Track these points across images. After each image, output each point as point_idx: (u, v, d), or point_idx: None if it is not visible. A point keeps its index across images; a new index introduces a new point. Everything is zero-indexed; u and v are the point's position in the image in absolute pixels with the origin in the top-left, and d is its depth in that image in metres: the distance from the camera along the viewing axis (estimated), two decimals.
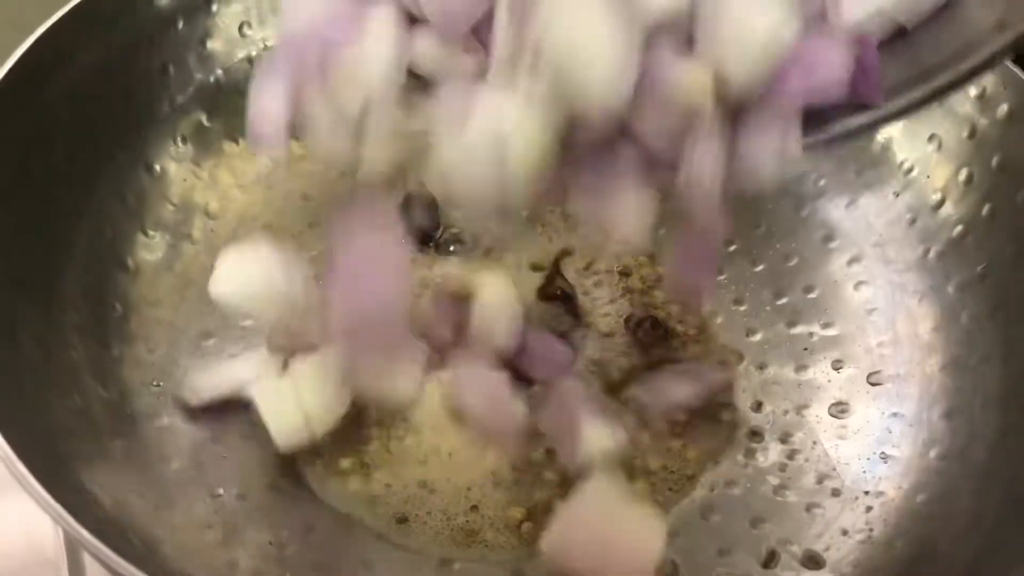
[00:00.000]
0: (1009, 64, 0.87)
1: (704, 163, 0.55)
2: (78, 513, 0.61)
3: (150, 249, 0.91)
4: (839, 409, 0.89)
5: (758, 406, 0.89)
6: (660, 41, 0.54)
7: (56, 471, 0.67)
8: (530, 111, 0.53)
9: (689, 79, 0.54)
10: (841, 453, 0.85)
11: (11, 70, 0.80)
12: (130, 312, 0.87)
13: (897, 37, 0.62)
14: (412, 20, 0.59)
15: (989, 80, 0.88)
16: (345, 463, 0.82)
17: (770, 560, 0.79)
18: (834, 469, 0.84)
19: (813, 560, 0.79)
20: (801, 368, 0.91)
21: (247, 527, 0.77)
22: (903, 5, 0.61)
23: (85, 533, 0.59)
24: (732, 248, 1.00)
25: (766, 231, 1.01)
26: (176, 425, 0.82)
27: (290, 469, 0.81)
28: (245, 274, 0.77)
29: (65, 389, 0.76)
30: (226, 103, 1.00)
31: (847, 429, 0.87)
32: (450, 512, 0.80)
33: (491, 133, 0.53)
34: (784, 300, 0.97)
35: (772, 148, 0.57)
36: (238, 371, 0.83)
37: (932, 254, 0.92)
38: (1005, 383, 0.81)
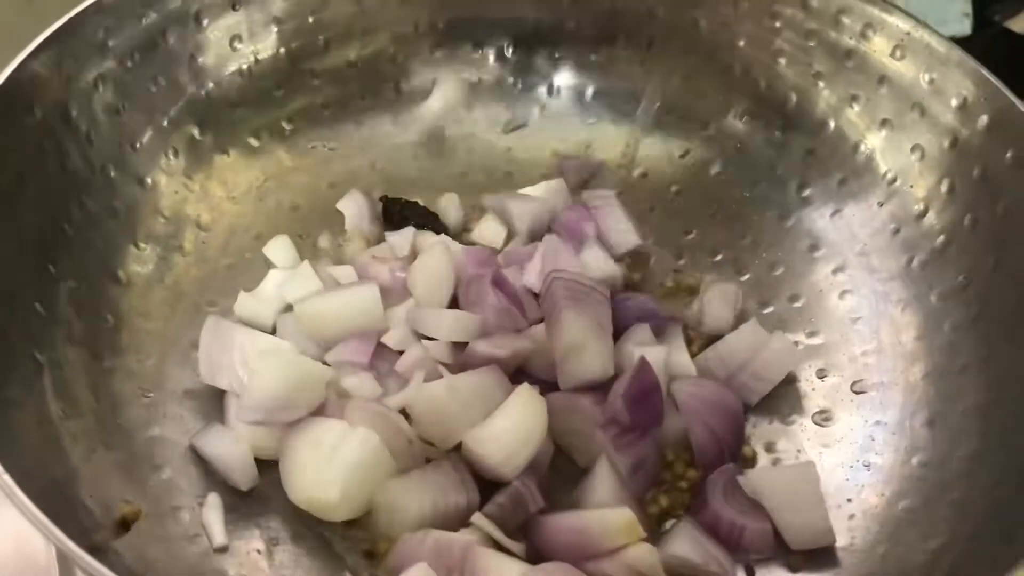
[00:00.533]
0: (988, 75, 0.88)
1: None
2: (65, 524, 0.61)
3: (141, 261, 0.92)
4: (823, 417, 0.89)
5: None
6: None
7: (46, 483, 0.68)
8: None
9: None
10: (825, 461, 0.86)
11: (3, 85, 0.81)
12: (121, 324, 0.88)
13: None
14: None
15: (970, 90, 0.89)
16: None
17: (751, 572, 0.80)
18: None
19: (796, 567, 0.80)
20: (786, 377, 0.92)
21: (235, 535, 0.78)
22: None
23: (71, 544, 0.60)
24: (718, 258, 1.02)
25: (752, 241, 1.02)
26: (166, 435, 0.83)
27: (277, 477, 0.81)
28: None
29: (58, 401, 0.77)
30: (217, 116, 1.01)
31: (831, 437, 0.88)
32: None
33: None
34: (770, 309, 0.98)
35: None
36: None
37: (915, 263, 0.93)
38: (986, 391, 0.82)
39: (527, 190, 1.04)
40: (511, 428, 0.79)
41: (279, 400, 0.80)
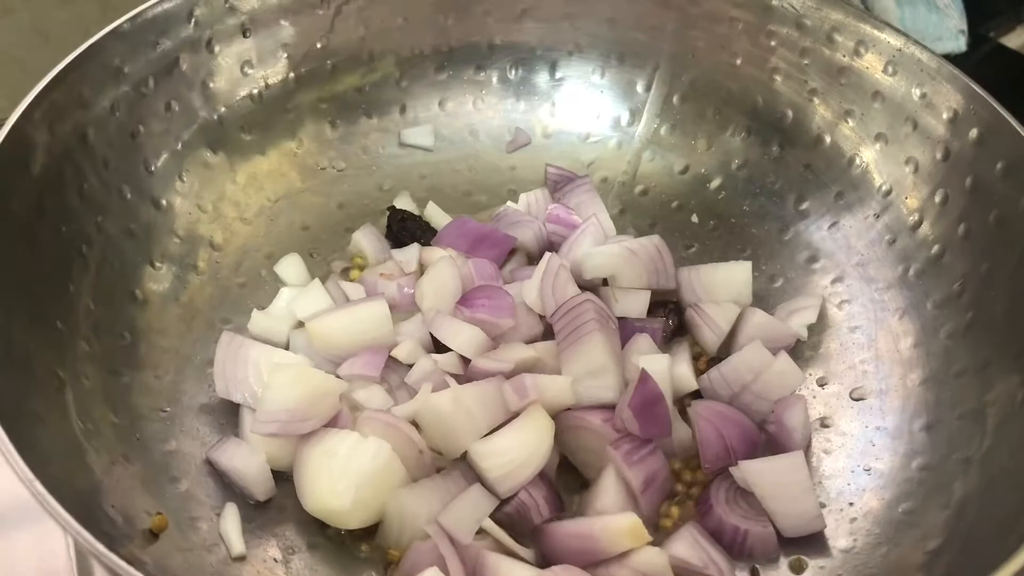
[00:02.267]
0: (977, 88, 0.90)
1: None
2: (93, 529, 0.63)
3: (157, 280, 0.94)
4: (824, 424, 0.91)
5: None
6: None
7: (73, 492, 0.70)
8: None
9: None
10: (826, 466, 0.88)
11: (24, 113, 0.83)
12: (139, 341, 0.90)
13: None
14: None
15: (960, 103, 0.92)
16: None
17: (756, 573, 0.82)
18: (820, 482, 0.87)
19: (798, 568, 0.82)
20: None
21: (252, 544, 0.80)
22: None
23: (100, 547, 0.62)
24: None
25: (752, 254, 1.04)
26: (183, 448, 0.85)
27: (291, 487, 0.83)
28: None
29: (79, 415, 0.79)
30: (229, 139, 1.03)
31: (832, 443, 0.90)
32: None
33: None
34: None
35: None
36: None
37: (911, 272, 0.95)
38: (981, 395, 0.84)
39: (510, 204, 1.07)
40: (515, 447, 0.82)
41: (294, 412, 0.82)
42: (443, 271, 0.93)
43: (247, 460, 0.83)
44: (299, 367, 0.86)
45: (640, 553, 0.77)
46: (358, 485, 0.79)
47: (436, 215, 1.07)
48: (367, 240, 1.03)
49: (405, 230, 1.03)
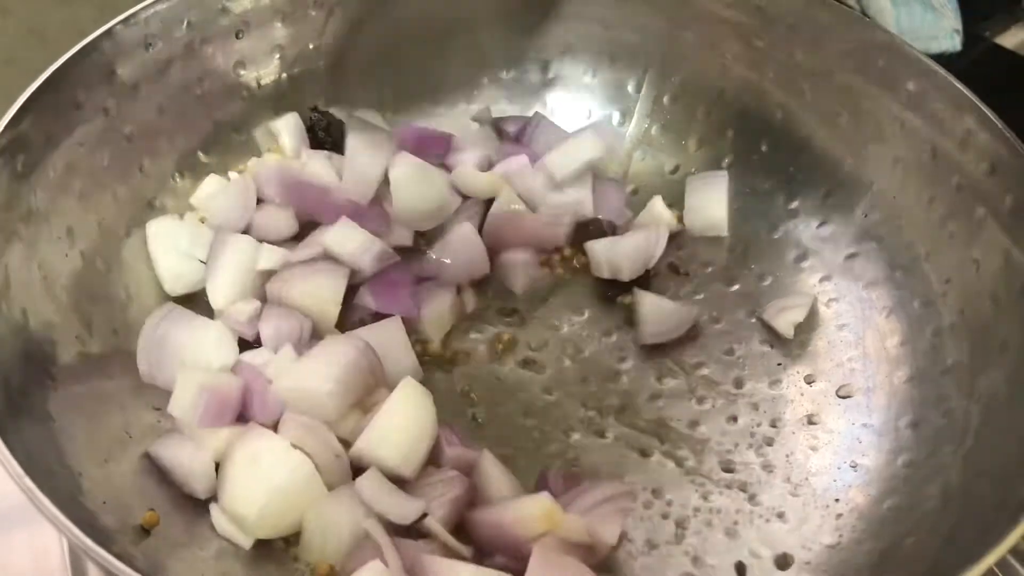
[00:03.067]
0: (962, 88, 0.90)
1: None
2: (83, 526, 0.64)
3: (150, 279, 0.95)
4: (811, 421, 0.92)
5: (734, 420, 0.93)
6: None
7: (64, 491, 0.71)
8: None
9: None
10: (813, 463, 0.89)
11: (16, 114, 0.83)
12: (132, 339, 0.89)
13: None
14: None
15: (947, 103, 0.92)
16: None
17: (742, 570, 0.82)
18: (806, 479, 0.88)
19: (784, 564, 0.82)
20: (775, 383, 0.95)
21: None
22: None
23: (90, 543, 0.62)
24: (709, 270, 1.05)
25: (741, 253, 1.05)
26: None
27: None
28: None
29: (71, 412, 0.79)
30: (222, 140, 1.04)
31: (818, 440, 0.91)
32: None
33: None
34: (759, 319, 1.00)
35: None
36: None
37: (899, 272, 0.96)
38: (967, 393, 0.84)
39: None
40: (401, 427, 0.81)
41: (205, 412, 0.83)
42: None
43: (191, 456, 0.82)
44: (202, 374, 0.85)
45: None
46: (267, 497, 0.78)
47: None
48: (287, 131, 1.05)
49: (329, 136, 1.06)
